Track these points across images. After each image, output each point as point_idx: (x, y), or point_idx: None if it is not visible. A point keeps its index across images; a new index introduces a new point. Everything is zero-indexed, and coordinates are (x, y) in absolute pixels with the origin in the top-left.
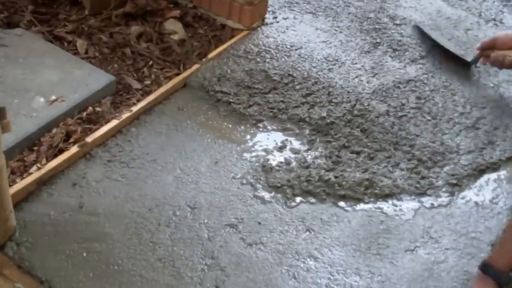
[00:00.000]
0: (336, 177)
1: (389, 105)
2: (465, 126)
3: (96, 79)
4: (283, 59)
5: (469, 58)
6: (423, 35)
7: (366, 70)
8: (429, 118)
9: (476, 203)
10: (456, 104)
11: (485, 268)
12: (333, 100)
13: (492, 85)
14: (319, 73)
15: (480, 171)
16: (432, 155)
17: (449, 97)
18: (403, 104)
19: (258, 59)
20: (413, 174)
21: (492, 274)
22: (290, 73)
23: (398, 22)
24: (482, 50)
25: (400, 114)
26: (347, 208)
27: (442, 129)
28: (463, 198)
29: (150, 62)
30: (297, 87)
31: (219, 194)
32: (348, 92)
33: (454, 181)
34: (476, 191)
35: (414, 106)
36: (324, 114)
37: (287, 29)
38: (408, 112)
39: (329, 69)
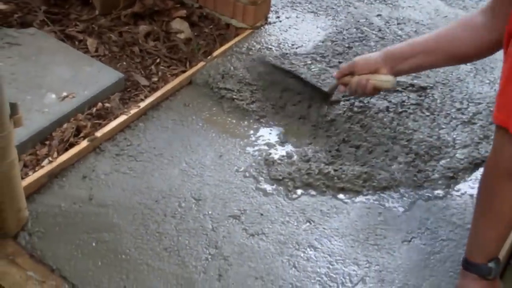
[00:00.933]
0: (335, 170)
1: (390, 102)
2: (461, 121)
3: (105, 76)
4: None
5: (326, 88)
6: (276, 68)
7: None
8: (427, 113)
9: (471, 196)
10: (453, 100)
11: (465, 264)
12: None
13: (488, 81)
14: None
15: (476, 165)
16: (429, 149)
17: (447, 93)
18: (403, 101)
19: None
20: (410, 167)
21: (473, 269)
22: None
23: (396, 21)
24: (340, 77)
25: (400, 110)
26: (346, 200)
27: (439, 124)
28: (458, 190)
29: (158, 60)
30: None
31: (223, 187)
32: None
33: (450, 174)
34: (471, 184)
35: (414, 102)
36: (324, 112)
37: (289, 27)
38: (408, 108)
39: (329, 66)
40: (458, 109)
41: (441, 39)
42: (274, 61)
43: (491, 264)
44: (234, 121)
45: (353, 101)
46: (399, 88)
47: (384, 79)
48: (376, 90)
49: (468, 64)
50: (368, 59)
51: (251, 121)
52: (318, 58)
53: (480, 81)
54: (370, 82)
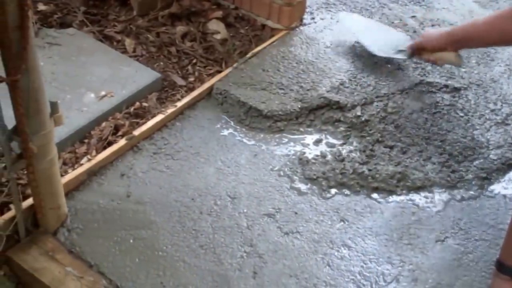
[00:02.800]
0: (369, 170)
1: (424, 103)
2: (495, 122)
3: (143, 76)
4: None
5: (405, 55)
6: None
7: None
8: (461, 114)
9: (504, 196)
10: (487, 101)
11: (499, 266)
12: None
13: None
14: None
15: (509, 166)
16: (463, 150)
17: (481, 94)
18: (437, 102)
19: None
20: (444, 167)
21: (506, 271)
22: None
23: (430, 23)
24: (411, 51)
25: (434, 111)
26: (380, 200)
27: (473, 125)
28: (491, 191)
29: (194, 60)
30: None
31: (257, 185)
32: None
33: (484, 175)
34: (504, 185)
35: (448, 103)
36: (359, 113)
37: (324, 28)
38: (442, 109)
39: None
40: (492, 110)
41: (495, 26)
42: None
43: None
44: (268, 120)
45: (387, 102)
46: (433, 89)
47: (449, 59)
48: (445, 64)
49: (501, 65)
50: (433, 41)
51: (286, 121)
52: (356, 58)
53: None
54: (439, 62)
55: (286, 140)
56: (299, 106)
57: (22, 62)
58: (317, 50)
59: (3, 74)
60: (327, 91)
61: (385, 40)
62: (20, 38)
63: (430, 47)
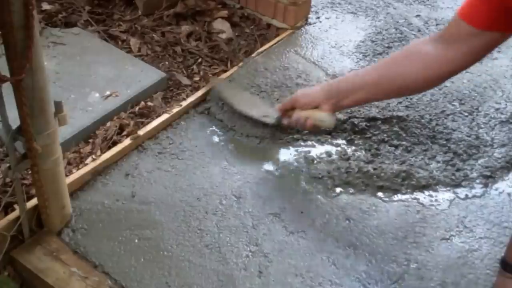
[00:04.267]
0: (374, 169)
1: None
2: (500, 121)
3: (148, 75)
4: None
5: (271, 120)
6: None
7: None
8: (466, 114)
9: (509, 194)
10: (492, 99)
11: (504, 265)
12: None
13: None
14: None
15: None
16: (468, 148)
17: (485, 93)
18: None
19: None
20: (448, 166)
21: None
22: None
23: (435, 22)
24: (283, 110)
25: (438, 110)
26: (385, 199)
27: (478, 123)
28: (496, 189)
29: (199, 60)
30: None
31: (263, 185)
32: None
33: (488, 173)
34: (509, 183)
35: (450, 100)
36: (368, 113)
37: (329, 28)
38: (447, 108)
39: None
40: (497, 109)
41: (385, 72)
42: (226, 95)
43: None
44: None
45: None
46: (436, 89)
47: (323, 118)
48: (316, 127)
49: (505, 64)
50: (309, 95)
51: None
52: (361, 57)
53: None
54: (309, 121)
55: (292, 138)
56: None
57: (26, 62)
58: (322, 50)
59: (7, 74)
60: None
61: (257, 105)
62: (25, 37)
63: (303, 103)
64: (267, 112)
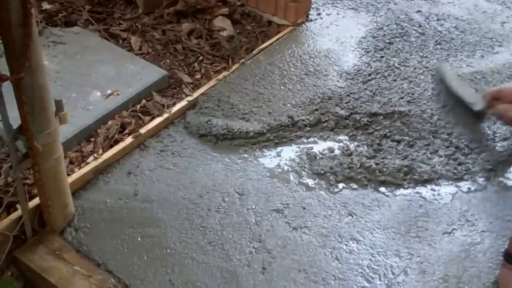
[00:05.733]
0: (377, 164)
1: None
2: None
3: (149, 73)
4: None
5: (478, 107)
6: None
7: None
8: (467, 108)
9: (511, 187)
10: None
11: (507, 257)
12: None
13: None
14: None
15: None
16: (469, 142)
17: (486, 86)
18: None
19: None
20: (451, 160)
21: None
22: None
23: (436, 17)
24: (488, 100)
25: (440, 105)
26: (388, 193)
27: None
28: (498, 183)
29: (200, 57)
30: None
31: (265, 181)
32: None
33: (490, 167)
34: (510, 176)
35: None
36: (370, 108)
37: (330, 24)
38: (448, 102)
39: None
40: None
41: None
42: (445, 72)
43: None
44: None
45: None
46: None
47: None
48: None
49: (505, 57)
50: None
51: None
52: (363, 53)
53: None
54: (509, 114)
55: (295, 135)
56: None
57: (25, 60)
58: (324, 46)
59: (8, 74)
60: (334, 88)
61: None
62: (24, 35)
63: (508, 94)
64: (475, 99)
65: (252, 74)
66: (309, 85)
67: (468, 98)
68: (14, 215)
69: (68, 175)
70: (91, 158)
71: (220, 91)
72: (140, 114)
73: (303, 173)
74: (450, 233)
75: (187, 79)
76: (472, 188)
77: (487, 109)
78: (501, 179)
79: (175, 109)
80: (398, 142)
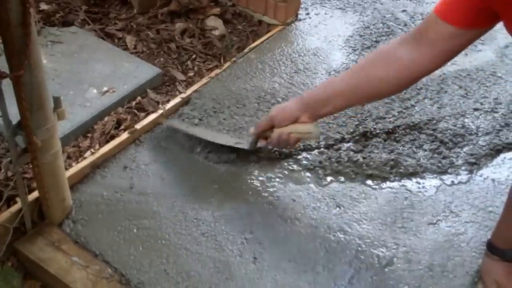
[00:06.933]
0: (364, 158)
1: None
2: (484, 111)
3: (144, 71)
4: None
5: (246, 146)
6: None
7: None
8: (452, 104)
9: (493, 180)
10: (477, 90)
11: (490, 248)
12: None
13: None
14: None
15: (497, 151)
16: (453, 137)
17: (470, 83)
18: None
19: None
20: (435, 154)
21: (497, 253)
22: None
23: (421, 16)
24: (260, 133)
25: (425, 101)
26: (374, 186)
27: (464, 113)
28: (481, 175)
29: (193, 56)
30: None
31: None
32: None
33: (473, 160)
34: (493, 169)
35: (438, 92)
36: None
37: (319, 23)
38: (432, 98)
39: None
40: (482, 99)
41: (360, 79)
42: (183, 127)
43: None
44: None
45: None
46: (424, 80)
47: (308, 130)
48: (300, 140)
49: (488, 55)
50: (285, 110)
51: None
52: (350, 51)
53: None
54: (293, 135)
55: None
56: None
57: (25, 58)
58: (313, 45)
59: (7, 71)
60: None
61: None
62: (23, 35)
63: (281, 119)
64: (238, 139)
65: (244, 72)
66: (298, 82)
67: (230, 142)
68: (14, 208)
69: (66, 169)
70: (88, 153)
71: (212, 88)
72: (135, 111)
73: (294, 166)
74: (435, 224)
75: (180, 76)
76: (456, 181)
77: (255, 143)
78: (483, 172)
79: (169, 105)
80: (385, 138)
